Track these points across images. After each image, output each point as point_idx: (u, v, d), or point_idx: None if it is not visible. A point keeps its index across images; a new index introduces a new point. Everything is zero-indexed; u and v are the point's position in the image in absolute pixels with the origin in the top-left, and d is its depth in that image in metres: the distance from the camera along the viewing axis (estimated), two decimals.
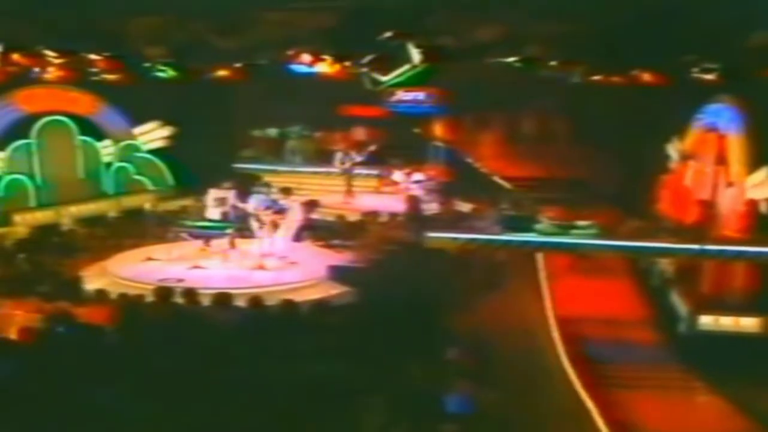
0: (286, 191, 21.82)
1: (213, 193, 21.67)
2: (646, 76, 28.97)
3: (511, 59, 29.64)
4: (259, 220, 21.05)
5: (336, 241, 22.90)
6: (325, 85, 31.28)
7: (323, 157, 30.15)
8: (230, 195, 21.52)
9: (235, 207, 21.45)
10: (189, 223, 21.85)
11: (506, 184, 26.51)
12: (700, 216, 19.60)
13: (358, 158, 28.28)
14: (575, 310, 18.35)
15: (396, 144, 29.21)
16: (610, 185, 23.98)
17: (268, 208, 21.05)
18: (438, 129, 29.38)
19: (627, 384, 15.21)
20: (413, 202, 25.27)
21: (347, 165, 28.09)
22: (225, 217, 21.35)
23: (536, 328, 17.87)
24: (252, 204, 21.15)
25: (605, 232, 18.71)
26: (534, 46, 30.62)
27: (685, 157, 21.28)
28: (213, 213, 21.51)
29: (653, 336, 17.51)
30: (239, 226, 21.44)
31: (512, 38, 30.79)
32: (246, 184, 23.37)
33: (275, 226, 21.14)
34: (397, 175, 27.42)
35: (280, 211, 21.12)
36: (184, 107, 27.80)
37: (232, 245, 21.30)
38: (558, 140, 28.53)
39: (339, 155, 28.26)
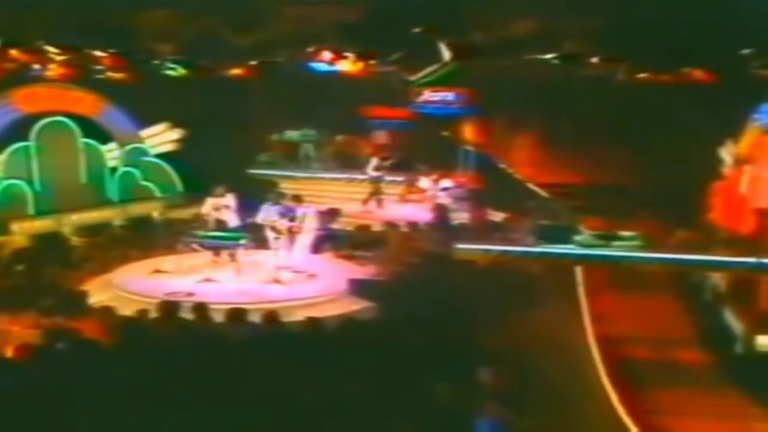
0: (297, 199, 21.86)
1: (210, 202, 21.75)
2: (697, 74, 28.68)
3: (548, 56, 29.50)
4: (274, 229, 21.04)
5: (358, 253, 22.83)
6: (347, 84, 31.29)
7: (344, 162, 30.17)
8: (228, 202, 21.59)
9: (238, 215, 21.53)
10: (200, 232, 21.82)
11: (542, 192, 26.36)
12: (757, 226, 19.32)
13: (389, 164, 28.34)
14: (618, 329, 18.17)
15: (423, 148, 29.22)
16: (657, 192, 23.74)
17: (283, 216, 21.06)
18: (468, 132, 29.22)
19: (676, 410, 15.05)
20: (441, 210, 25.25)
21: (381, 172, 28.07)
22: (222, 225, 21.45)
23: (575, 347, 17.72)
24: (265, 212, 21.14)
25: (651, 243, 18.54)
26: (573, 41, 30.41)
27: (740, 162, 21.05)
28: (211, 222, 21.61)
29: (705, 357, 17.29)
30: (253, 236, 21.41)
31: (550, 33, 30.60)
32: (257, 191, 23.41)
33: (292, 236, 21.11)
34: (424, 182, 27.36)
35: (296, 219, 21.11)
36: (196, 108, 27.78)
37: (234, 258, 21.34)
38: (599, 144, 28.30)
39: (374, 161, 28.22)
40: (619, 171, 25.92)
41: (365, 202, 27.81)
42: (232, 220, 21.72)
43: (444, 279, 19.29)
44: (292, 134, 31.63)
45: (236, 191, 22.00)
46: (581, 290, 20.12)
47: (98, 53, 29.47)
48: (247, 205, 21.97)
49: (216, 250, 21.67)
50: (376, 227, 25.35)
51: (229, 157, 27.22)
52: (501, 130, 29.85)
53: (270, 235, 21.16)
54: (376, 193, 27.92)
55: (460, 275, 19.34)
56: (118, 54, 29.95)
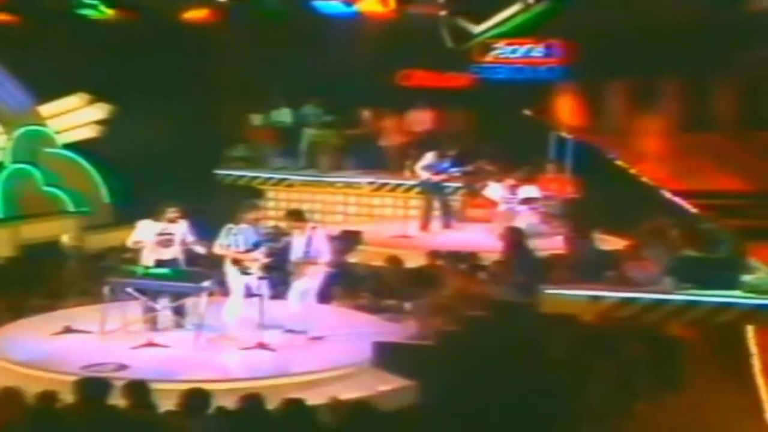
0: (296, 216, 21.66)
1: (146, 227, 21.64)
2: None
3: None
4: (250, 266, 21.04)
5: (388, 302, 22.93)
6: (372, 35, 31.56)
7: (367, 158, 31.16)
8: (179, 228, 21.56)
9: (192, 246, 21.58)
10: (139, 269, 21.62)
11: (686, 204, 26.23)
12: None
13: (453, 163, 28.60)
14: None
15: (492, 136, 29.42)
16: None
17: (272, 247, 21.24)
18: (563, 109, 29.54)
19: None
20: (519, 235, 24.73)
21: (443, 175, 28.38)
22: (166, 262, 21.40)
23: None
24: (238, 237, 21.06)
25: None
26: None
27: None
28: (150, 257, 21.61)
29: None
30: (219, 277, 21.37)
31: None
32: (228, 204, 23.55)
33: (285, 276, 21.13)
34: (494, 190, 27.53)
35: (286, 250, 21.15)
36: (129, 72, 28.40)
37: (181, 314, 21.40)
38: None
39: (429, 157, 28.38)
40: None
41: (424, 225, 28.25)
42: (175, 256, 21.60)
43: (524, 344, 19.21)
44: (284, 114, 32.35)
45: (194, 208, 21.96)
46: (756, 363, 19.88)
47: None
48: (210, 229, 21.80)
49: (165, 298, 21.57)
50: (417, 261, 25.29)
51: (183, 150, 27.90)
52: (617, 105, 30.18)
53: (243, 275, 21.02)
54: (432, 209, 28.39)
55: (551, 338, 19.27)
56: None
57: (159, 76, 28.58)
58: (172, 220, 21.45)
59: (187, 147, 28.27)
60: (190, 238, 21.49)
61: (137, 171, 27.06)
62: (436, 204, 28.61)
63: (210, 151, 30.47)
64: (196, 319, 21.10)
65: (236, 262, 20.99)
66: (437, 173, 28.24)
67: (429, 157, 28.31)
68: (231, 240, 21.00)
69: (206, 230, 21.69)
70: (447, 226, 28.44)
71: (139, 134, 27.31)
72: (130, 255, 22.98)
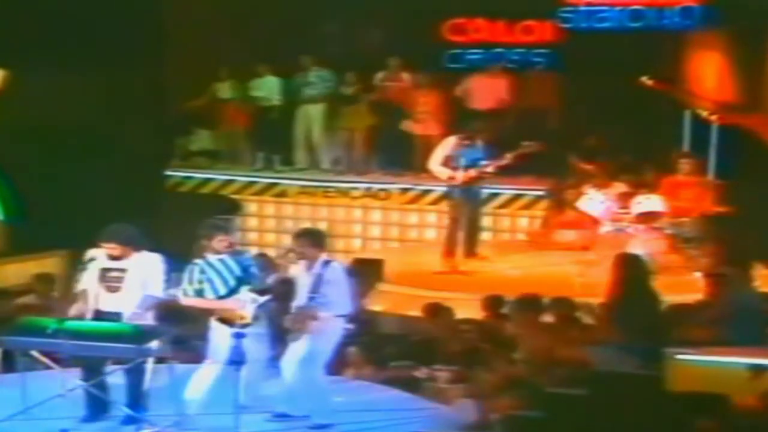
0: (311, 239, 20.90)
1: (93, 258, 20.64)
2: None
3: None
4: (224, 320, 20.24)
5: (430, 374, 22.38)
6: None
7: (395, 151, 31.35)
8: (134, 263, 20.51)
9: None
10: (50, 323, 20.27)
11: None
12: None
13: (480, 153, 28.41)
14: None
15: (590, 118, 29.94)
16: None
17: (259, 282, 20.49)
18: (704, 76, 29.59)
19: None
20: (633, 269, 24.17)
21: (473, 171, 28.02)
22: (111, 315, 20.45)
23: None
24: (214, 280, 20.36)
25: None
26: None
27: None
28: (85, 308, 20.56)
29: None
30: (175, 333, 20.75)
31: None
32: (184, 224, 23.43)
33: (279, 331, 20.67)
34: (594, 201, 27.54)
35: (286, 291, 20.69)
36: (30, 18, 28.30)
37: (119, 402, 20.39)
38: None
39: (450, 143, 28.19)
40: None
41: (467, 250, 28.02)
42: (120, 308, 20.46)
43: None
44: (269, 85, 32.58)
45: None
46: None
47: None
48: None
49: (89, 368, 20.47)
50: (475, 309, 25.05)
51: (113, 138, 28.37)
52: None
53: (223, 334, 20.10)
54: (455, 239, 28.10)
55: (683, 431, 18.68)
56: None
57: (75, 25, 28.52)
58: (115, 256, 20.36)
59: (120, 134, 28.40)
60: (158, 283, 20.45)
61: (43, 172, 27.25)
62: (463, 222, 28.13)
63: (156, 140, 30.59)
64: (137, 400, 20.24)
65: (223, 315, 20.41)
66: (464, 168, 27.83)
67: (449, 144, 28.05)
68: (201, 282, 20.34)
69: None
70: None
71: (47, 113, 27.49)
72: (41, 300, 23.53)
